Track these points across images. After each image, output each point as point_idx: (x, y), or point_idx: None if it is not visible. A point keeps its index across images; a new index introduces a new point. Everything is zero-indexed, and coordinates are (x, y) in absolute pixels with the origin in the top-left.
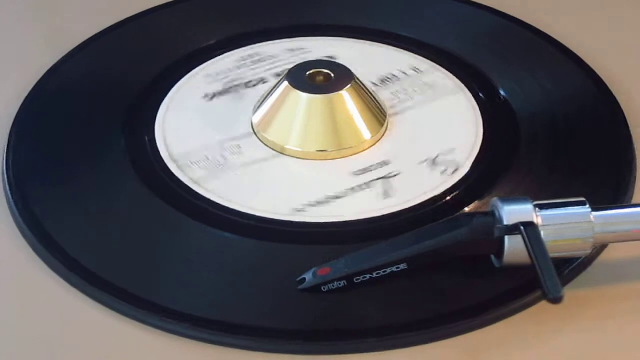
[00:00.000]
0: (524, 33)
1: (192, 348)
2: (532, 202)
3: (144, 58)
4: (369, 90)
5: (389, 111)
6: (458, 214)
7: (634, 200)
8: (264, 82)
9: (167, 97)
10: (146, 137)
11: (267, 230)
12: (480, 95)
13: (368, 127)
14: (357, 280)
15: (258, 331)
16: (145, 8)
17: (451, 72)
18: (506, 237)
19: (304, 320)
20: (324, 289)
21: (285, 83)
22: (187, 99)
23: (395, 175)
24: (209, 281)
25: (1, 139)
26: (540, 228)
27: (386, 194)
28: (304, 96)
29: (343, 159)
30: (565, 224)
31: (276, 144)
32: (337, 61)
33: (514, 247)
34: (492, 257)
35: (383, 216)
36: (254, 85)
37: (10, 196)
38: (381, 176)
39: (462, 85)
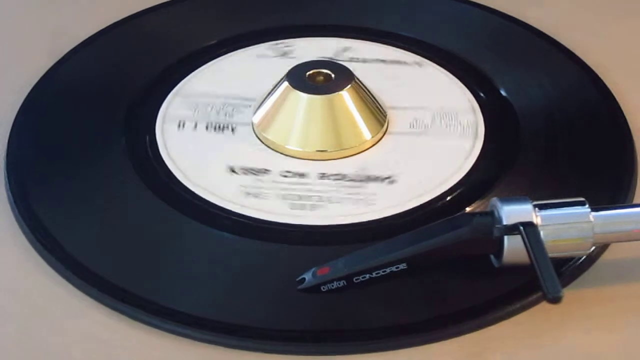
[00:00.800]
0: (524, 33)
1: (192, 348)
2: (532, 202)
3: (144, 58)
4: (369, 90)
5: (389, 111)
6: (458, 213)
7: (634, 201)
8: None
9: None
10: (146, 137)
11: (267, 230)
12: (481, 95)
13: (368, 127)
14: (356, 280)
15: (258, 331)
16: (145, 7)
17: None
18: (505, 237)
19: (303, 321)
20: (324, 288)
21: (285, 83)
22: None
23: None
24: (209, 281)
25: (1, 138)
26: (539, 228)
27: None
28: (304, 96)
29: (343, 159)
30: (565, 223)
31: (276, 144)
32: (337, 61)
33: (514, 247)
34: (492, 256)
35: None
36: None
37: (10, 196)
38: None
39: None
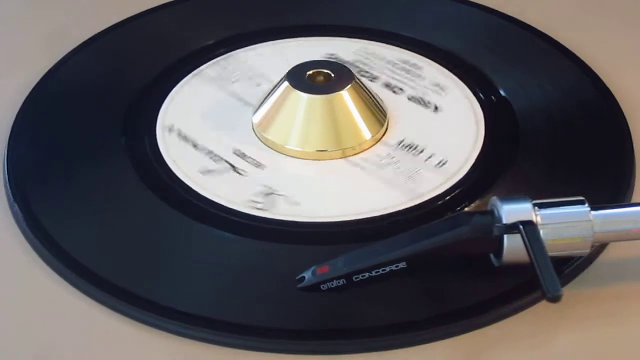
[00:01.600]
0: (524, 33)
1: (192, 348)
2: (531, 201)
3: (144, 58)
4: (369, 90)
5: (389, 111)
6: (457, 212)
7: (634, 200)
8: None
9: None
10: (146, 137)
11: (267, 230)
12: (481, 95)
13: (368, 127)
14: (356, 278)
15: (257, 330)
16: (145, 8)
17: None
18: (505, 236)
19: (303, 319)
20: (323, 287)
21: (285, 83)
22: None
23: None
24: (209, 281)
25: (1, 139)
26: (539, 227)
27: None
28: (304, 96)
29: (343, 159)
30: (564, 222)
31: (276, 144)
32: (337, 61)
33: (513, 246)
34: (491, 255)
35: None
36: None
37: (10, 196)
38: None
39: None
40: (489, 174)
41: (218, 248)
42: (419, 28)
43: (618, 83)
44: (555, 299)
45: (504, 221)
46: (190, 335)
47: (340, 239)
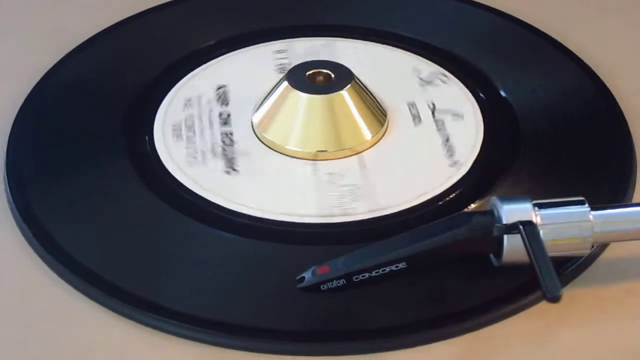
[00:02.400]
0: (524, 33)
1: (192, 348)
2: (531, 201)
3: (144, 58)
4: (369, 90)
5: (389, 111)
6: (457, 213)
7: (634, 200)
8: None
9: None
10: (146, 137)
11: (267, 230)
12: (481, 95)
13: (368, 127)
14: (356, 279)
15: (257, 331)
16: (145, 8)
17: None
18: (505, 236)
19: (303, 321)
20: (323, 287)
21: (285, 83)
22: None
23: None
24: (209, 281)
25: (1, 139)
26: (539, 227)
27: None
28: (304, 96)
29: (343, 159)
30: (564, 223)
31: (276, 144)
32: (337, 61)
33: (513, 246)
34: (491, 256)
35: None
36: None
37: (10, 196)
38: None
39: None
40: (490, 175)
41: (218, 248)
42: (419, 28)
43: (618, 83)
44: (555, 299)
45: (504, 221)
46: (190, 335)
47: (340, 239)
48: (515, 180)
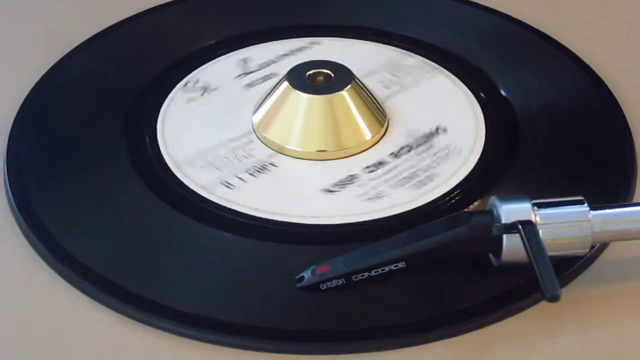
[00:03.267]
0: (524, 33)
1: (192, 348)
2: (531, 200)
3: (144, 58)
4: (369, 91)
5: (390, 111)
6: (457, 212)
7: (634, 200)
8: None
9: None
10: (146, 137)
11: (267, 230)
12: (481, 95)
13: (368, 127)
14: (355, 278)
15: (256, 330)
16: (145, 8)
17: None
18: (504, 236)
19: (303, 320)
20: (323, 287)
21: (285, 83)
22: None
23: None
24: (209, 281)
25: (1, 138)
26: (538, 227)
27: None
28: (304, 96)
29: (343, 159)
30: (564, 222)
31: (276, 144)
32: (337, 61)
33: (512, 246)
34: (490, 255)
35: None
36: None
37: (10, 196)
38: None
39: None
40: (490, 175)
41: (218, 248)
42: (419, 28)
43: (618, 83)
44: (554, 298)
45: (503, 221)
46: (189, 335)
47: (339, 239)
48: (515, 180)
